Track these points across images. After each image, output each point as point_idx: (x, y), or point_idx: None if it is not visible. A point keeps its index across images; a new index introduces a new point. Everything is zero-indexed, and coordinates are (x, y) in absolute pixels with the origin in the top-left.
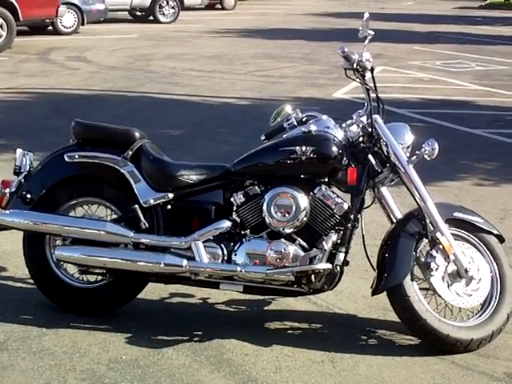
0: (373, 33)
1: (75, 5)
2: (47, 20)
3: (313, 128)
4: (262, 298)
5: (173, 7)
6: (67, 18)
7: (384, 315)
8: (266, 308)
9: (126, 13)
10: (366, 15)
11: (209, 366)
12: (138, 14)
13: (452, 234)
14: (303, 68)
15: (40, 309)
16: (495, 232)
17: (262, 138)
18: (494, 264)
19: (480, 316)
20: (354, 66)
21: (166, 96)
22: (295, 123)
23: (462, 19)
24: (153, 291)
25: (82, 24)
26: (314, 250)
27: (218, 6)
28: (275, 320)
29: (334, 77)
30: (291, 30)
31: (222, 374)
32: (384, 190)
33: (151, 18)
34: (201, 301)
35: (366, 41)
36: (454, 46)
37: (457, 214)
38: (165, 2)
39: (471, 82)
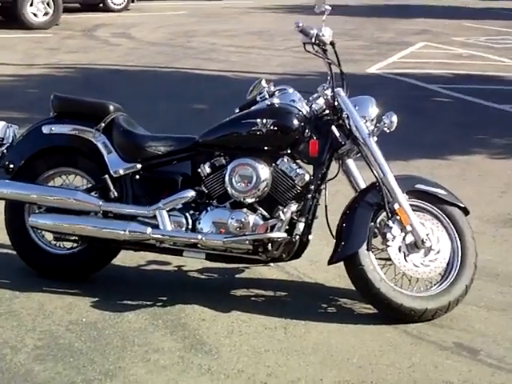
0: (329, 8)
1: None
2: None
3: (276, 101)
4: (236, 266)
5: None
6: None
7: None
8: (237, 276)
9: None
10: None
11: (163, 329)
12: None
13: (414, 206)
14: (343, 44)
15: (18, 274)
16: (460, 204)
17: (236, 110)
18: (456, 236)
19: (438, 286)
20: (313, 40)
21: (199, 71)
22: (267, 96)
23: None
24: (131, 258)
25: (133, 1)
26: (273, 219)
27: None
28: (242, 287)
29: (371, 52)
30: (340, 6)
31: (173, 337)
32: (350, 162)
33: None
34: (176, 268)
35: (324, 16)
36: (504, 22)
37: (419, 186)
38: None
39: (510, 58)
